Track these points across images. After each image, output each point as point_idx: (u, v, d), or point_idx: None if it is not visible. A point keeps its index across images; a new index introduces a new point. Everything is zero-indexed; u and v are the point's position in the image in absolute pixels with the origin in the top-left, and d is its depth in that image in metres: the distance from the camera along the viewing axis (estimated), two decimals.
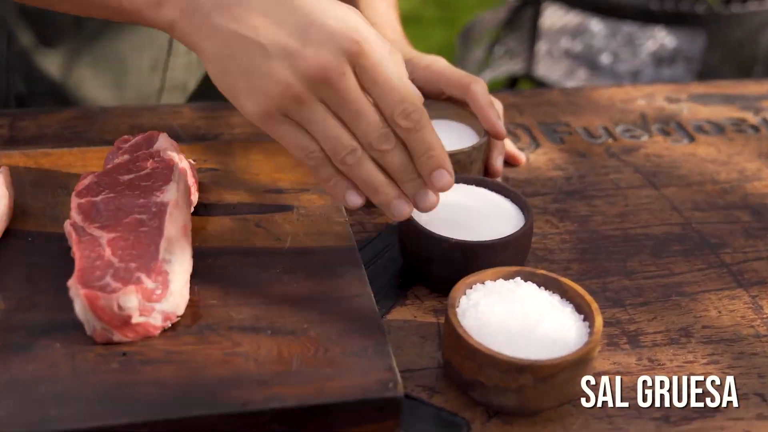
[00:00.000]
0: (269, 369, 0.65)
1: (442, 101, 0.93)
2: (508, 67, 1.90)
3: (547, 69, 1.92)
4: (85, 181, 0.74)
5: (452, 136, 0.90)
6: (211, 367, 0.65)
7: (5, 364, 0.63)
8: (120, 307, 0.63)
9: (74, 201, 0.73)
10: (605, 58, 1.93)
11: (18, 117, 0.95)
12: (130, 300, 0.64)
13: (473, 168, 0.88)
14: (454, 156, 0.86)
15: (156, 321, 0.66)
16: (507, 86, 2.06)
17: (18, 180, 0.81)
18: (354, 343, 0.68)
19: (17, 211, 0.77)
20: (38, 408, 0.60)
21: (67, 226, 0.70)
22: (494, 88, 1.95)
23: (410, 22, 3.12)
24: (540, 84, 1.95)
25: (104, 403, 0.61)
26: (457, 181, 0.83)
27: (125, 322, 0.64)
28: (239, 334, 0.67)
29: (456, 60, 1.95)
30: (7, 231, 0.75)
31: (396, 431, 0.65)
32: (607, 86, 1.12)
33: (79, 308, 0.64)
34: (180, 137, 0.95)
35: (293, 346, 0.67)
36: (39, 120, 0.96)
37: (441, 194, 0.80)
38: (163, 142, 0.78)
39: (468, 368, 0.66)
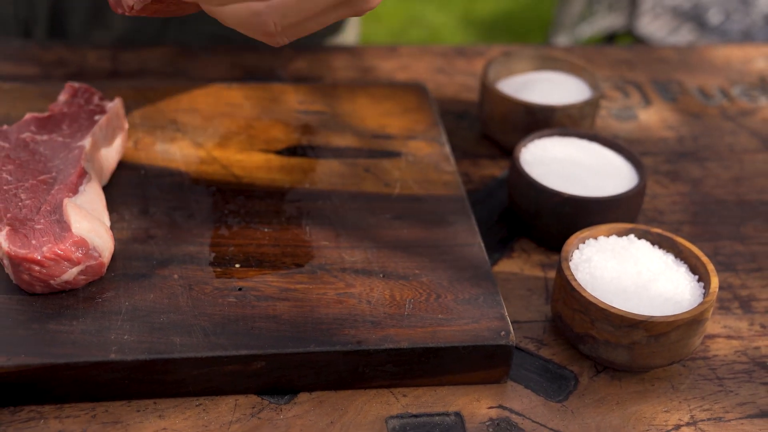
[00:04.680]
0: (382, 311, 0.71)
1: (558, 54, 0.97)
2: (608, 21, 1.93)
3: (650, 25, 1.94)
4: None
5: (565, 90, 0.94)
6: (325, 306, 0.71)
7: (127, 291, 0.70)
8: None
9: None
10: (714, 17, 1.94)
11: (119, 50, 1.02)
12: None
13: (584, 123, 0.93)
14: (565, 110, 0.91)
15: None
16: (604, 43, 2.08)
17: (127, 113, 0.87)
18: (465, 291, 0.73)
19: (128, 143, 0.84)
20: (162, 335, 0.67)
21: None
22: (591, 45, 1.97)
23: None
24: (642, 43, 1.98)
25: (223, 334, 0.68)
26: (569, 135, 0.88)
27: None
28: (352, 275, 0.74)
29: (553, 11, 1.98)
30: (121, 163, 0.82)
31: (504, 380, 0.71)
32: (723, 45, 1.16)
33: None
34: (282, 78, 1.01)
35: (405, 291, 0.73)
36: (140, 54, 1.02)
37: (553, 148, 0.86)
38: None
39: (579, 322, 0.72)
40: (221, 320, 0.69)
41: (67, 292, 0.69)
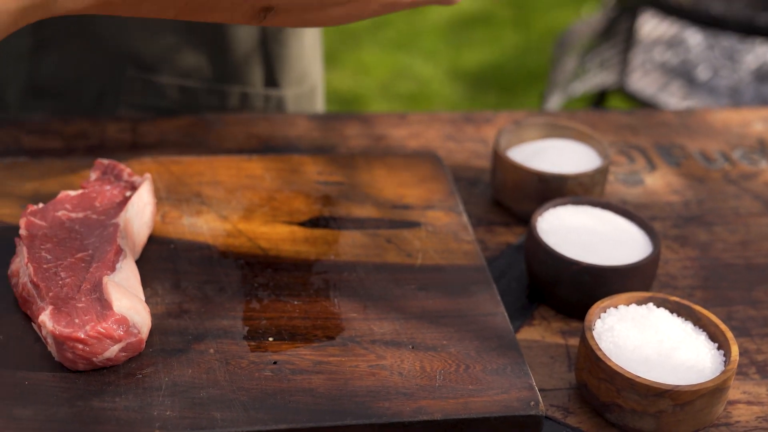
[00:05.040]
0: (414, 383, 0.73)
1: (567, 122, 1.00)
2: (600, 78, 1.97)
3: (640, 81, 1.99)
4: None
5: (575, 158, 0.97)
6: (358, 378, 0.73)
7: (166, 367, 0.72)
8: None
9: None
10: (702, 73, 1.99)
11: (139, 122, 1.04)
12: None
13: (595, 191, 0.96)
14: (577, 178, 0.94)
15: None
16: (596, 102, 2.13)
17: (154, 187, 0.89)
18: (493, 361, 0.75)
19: (156, 216, 0.86)
20: (203, 410, 0.69)
21: None
22: (583, 105, 2.01)
23: (480, 22, 3.19)
24: (632, 99, 2.02)
25: (262, 408, 0.69)
26: (583, 204, 0.90)
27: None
28: (382, 347, 0.76)
29: (548, 69, 2.02)
30: (150, 237, 0.84)
31: None
32: (721, 109, 1.19)
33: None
34: (298, 148, 1.04)
35: (435, 362, 0.75)
36: (159, 126, 1.04)
37: (567, 216, 0.88)
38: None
39: (605, 391, 0.74)
40: (259, 394, 0.70)
41: (108, 368, 0.71)
